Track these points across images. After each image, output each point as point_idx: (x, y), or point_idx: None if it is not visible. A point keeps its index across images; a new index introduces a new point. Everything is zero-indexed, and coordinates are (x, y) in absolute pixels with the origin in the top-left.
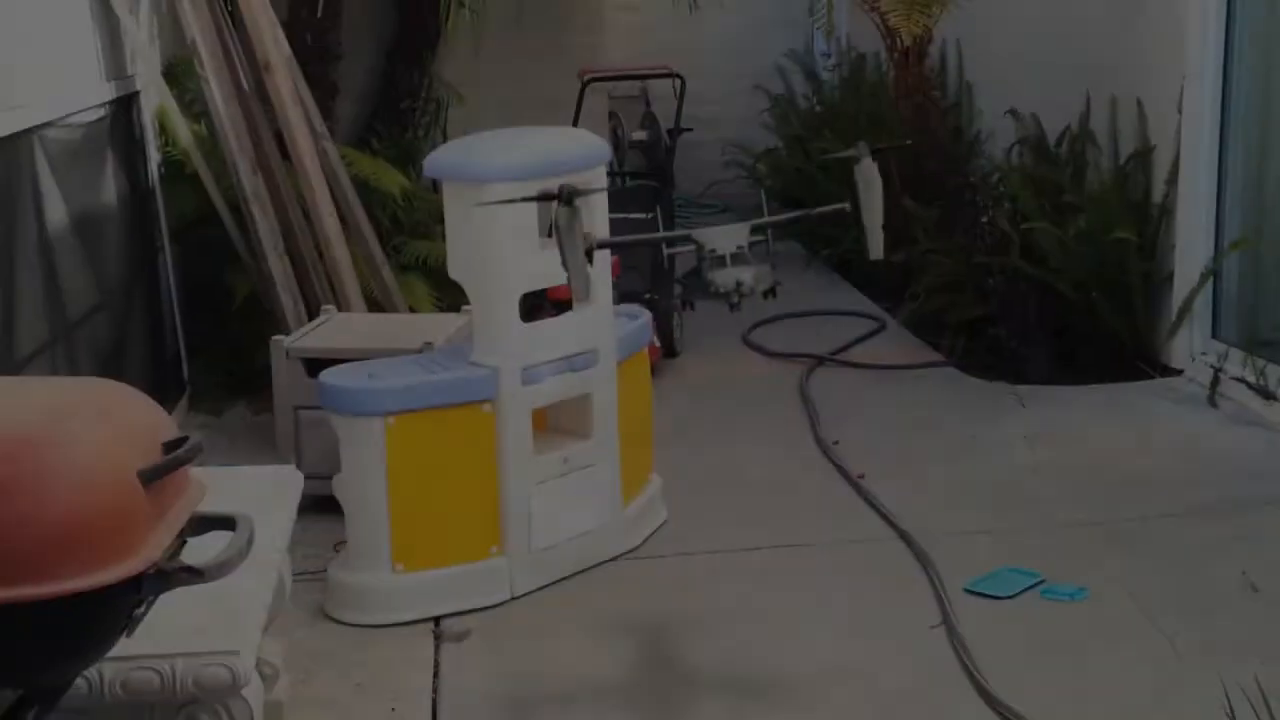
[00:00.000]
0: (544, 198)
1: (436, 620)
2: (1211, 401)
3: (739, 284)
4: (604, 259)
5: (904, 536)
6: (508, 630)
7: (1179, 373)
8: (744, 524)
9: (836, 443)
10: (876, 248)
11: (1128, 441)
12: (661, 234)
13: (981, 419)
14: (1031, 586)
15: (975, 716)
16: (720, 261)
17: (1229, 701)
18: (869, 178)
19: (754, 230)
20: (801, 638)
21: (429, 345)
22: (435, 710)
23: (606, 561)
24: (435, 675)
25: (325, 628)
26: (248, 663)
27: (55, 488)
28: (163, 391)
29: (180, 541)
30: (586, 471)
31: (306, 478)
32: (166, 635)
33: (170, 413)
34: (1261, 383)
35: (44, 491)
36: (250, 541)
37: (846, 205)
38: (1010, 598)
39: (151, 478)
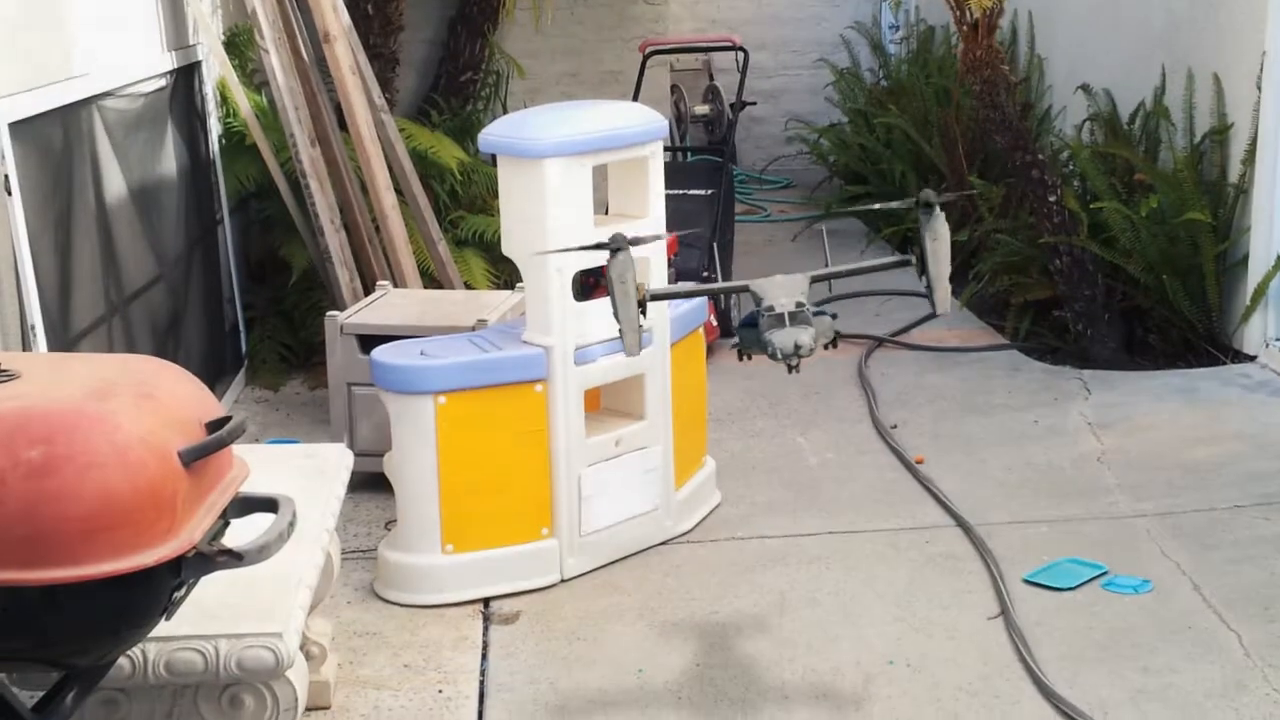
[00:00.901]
0: (597, 247)
1: (486, 602)
2: None
3: (798, 347)
4: (659, 225)
5: (962, 524)
6: (557, 613)
7: (1252, 359)
8: (799, 509)
9: (895, 426)
10: (944, 302)
11: (1196, 429)
12: (717, 286)
13: (1045, 404)
14: (1093, 578)
15: (1033, 711)
16: (778, 321)
17: None
18: (937, 230)
19: (814, 280)
20: (855, 627)
21: (483, 322)
22: (483, 692)
23: (658, 545)
24: (484, 657)
25: (375, 607)
26: (291, 645)
27: (94, 469)
28: (220, 365)
29: (223, 523)
30: (639, 454)
31: (360, 455)
32: (210, 616)
33: (228, 387)
34: None
35: (83, 473)
36: (292, 525)
37: (911, 259)
38: (1071, 589)
39: (192, 458)
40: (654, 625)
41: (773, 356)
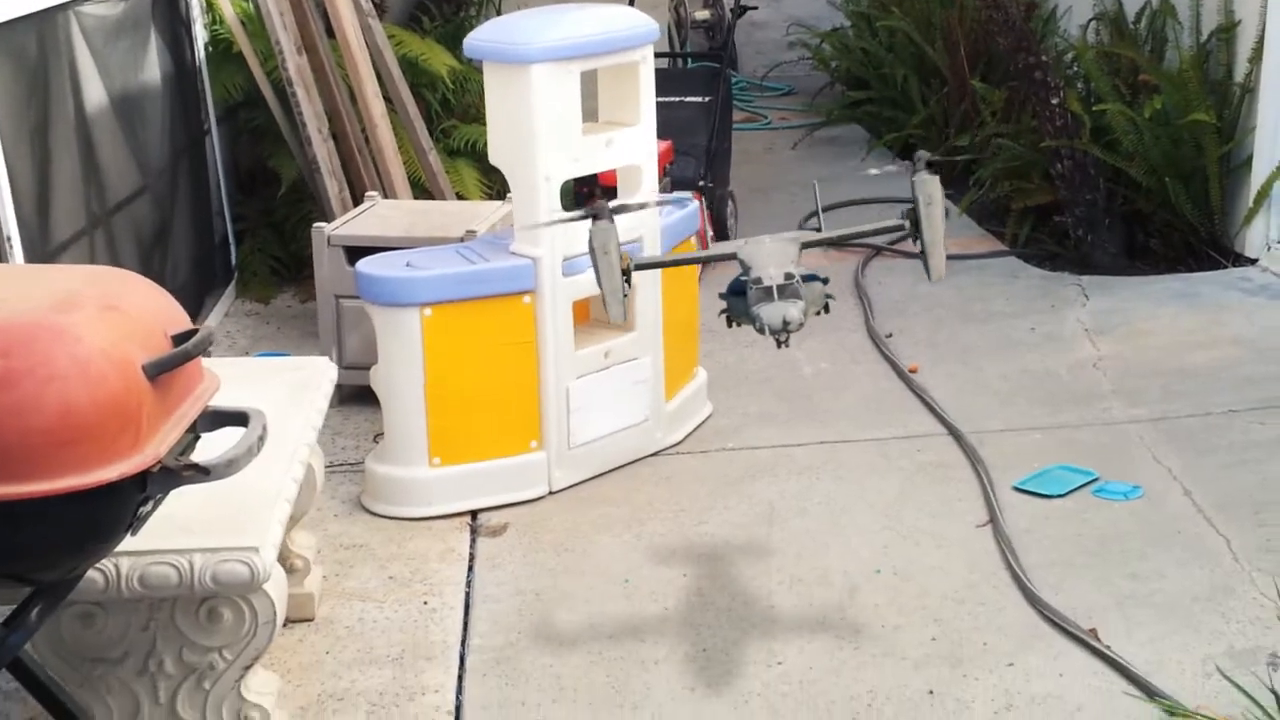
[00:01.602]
0: (578, 217)
1: (473, 514)
2: None
3: (786, 323)
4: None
5: (954, 433)
6: (545, 525)
7: (1253, 262)
8: (791, 419)
9: (890, 335)
10: (938, 269)
11: (1194, 334)
12: (704, 254)
13: (1042, 311)
14: (1083, 485)
15: (1018, 618)
16: (766, 294)
17: (1279, 604)
18: (930, 193)
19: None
20: (843, 536)
21: (471, 234)
22: (469, 604)
23: (648, 457)
24: (470, 569)
25: (362, 520)
26: (267, 558)
27: (54, 383)
28: (210, 278)
29: (193, 437)
30: (628, 365)
31: (348, 368)
32: (185, 530)
33: (218, 300)
34: None
35: (42, 386)
36: (262, 439)
37: (905, 224)
38: (1061, 496)
39: (157, 371)
40: (642, 537)
41: (760, 331)
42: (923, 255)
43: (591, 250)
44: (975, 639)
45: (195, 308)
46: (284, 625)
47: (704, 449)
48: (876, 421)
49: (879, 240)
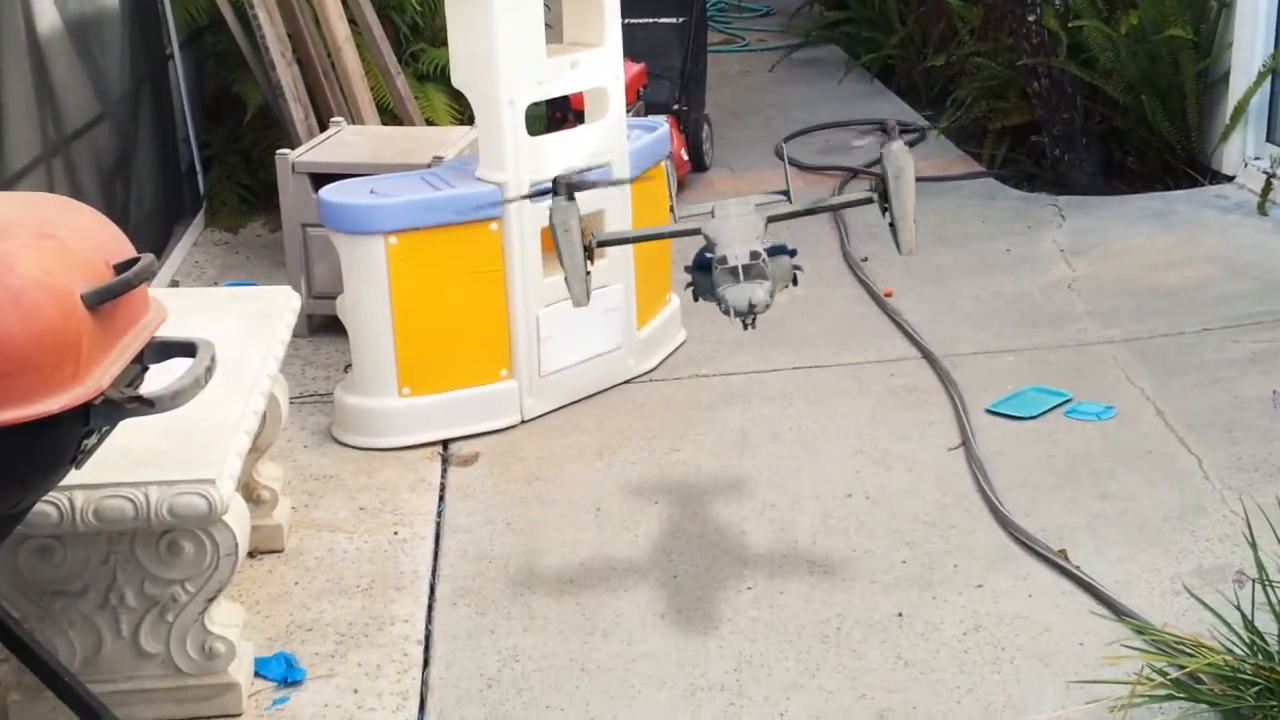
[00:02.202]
0: (538, 194)
1: (445, 444)
2: (1261, 209)
3: (752, 306)
4: (616, 55)
5: (927, 356)
6: (516, 454)
7: (1229, 179)
8: (765, 345)
9: (865, 259)
10: (907, 243)
11: (1170, 253)
12: (667, 229)
13: (1018, 232)
14: (1056, 406)
15: (989, 540)
16: (732, 274)
17: (1248, 525)
18: (900, 165)
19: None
20: (816, 461)
21: (439, 159)
22: (439, 534)
23: (620, 384)
24: (441, 499)
25: (332, 451)
26: (225, 490)
27: None
28: (177, 207)
29: (140, 368)
30: (599, 293)
31: (317, 298)
32: (141, 463)
33: (186, 228)
34: None
35: None
36: (211, 370)
37: (873, 195)
38: (1033, 418)
39: (98, 301)
40: (613, 465)
41: (726, 313)
42: (891, 228)
43: (552, 228)
44: (945, 561)
45: (163, 237)
46: (252, 556)
47: (677, 376)
48: (850, 346)
49: (856, 163)
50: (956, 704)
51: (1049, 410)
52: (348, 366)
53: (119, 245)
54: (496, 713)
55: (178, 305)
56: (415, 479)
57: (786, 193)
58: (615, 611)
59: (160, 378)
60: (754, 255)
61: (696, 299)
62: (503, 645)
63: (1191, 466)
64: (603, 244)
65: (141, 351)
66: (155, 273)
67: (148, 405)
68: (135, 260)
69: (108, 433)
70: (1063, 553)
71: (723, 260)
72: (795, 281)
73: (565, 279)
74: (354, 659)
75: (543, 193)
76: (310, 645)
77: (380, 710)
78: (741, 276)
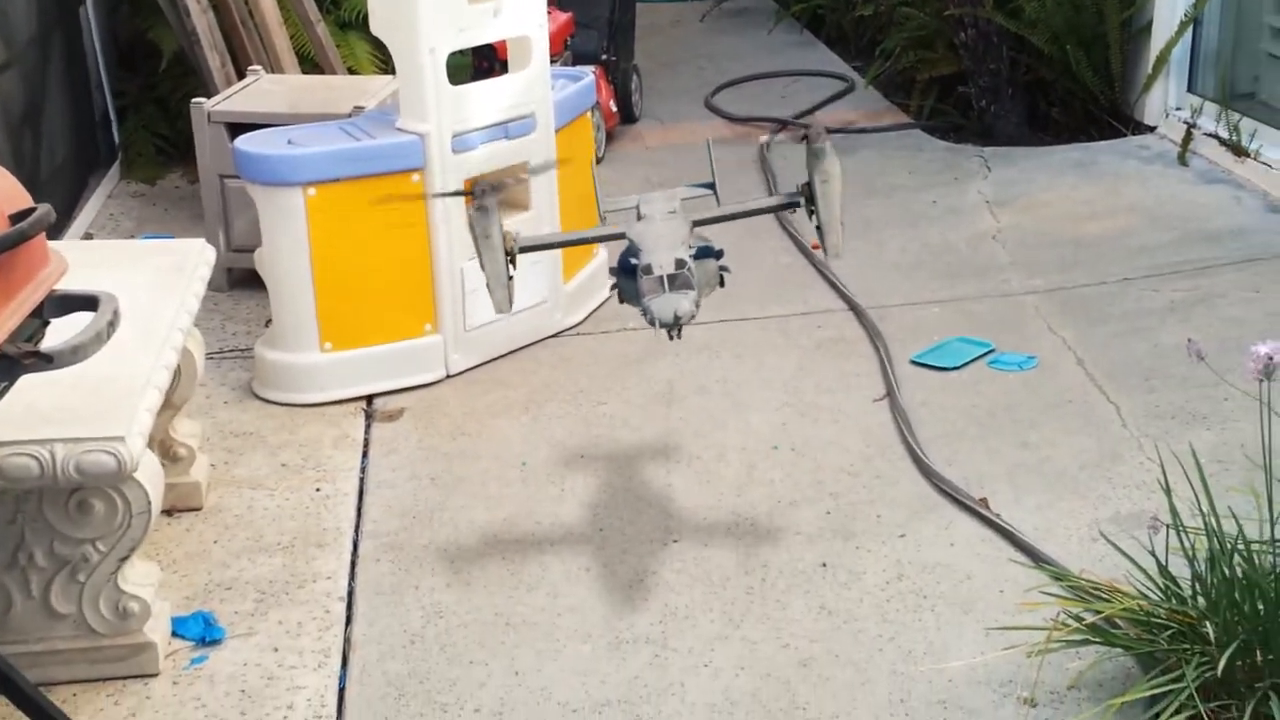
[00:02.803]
0: (456, 194)
1: (369, 400)
2: (1182, 160)
3: (677, 318)
4: (540, 2)
5: (854, 308)
6: (441, 409)
7: (1151, 130)
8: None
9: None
10: (835, 247)
11: (1092, 204)
12: (591, 234)
13: (945, 184)
14: (980, 357)
15: (911, 489)
16: (657, 284)
17: (1164, 472)
18: (827, 170)
19: (698, 223)
20: (742, 414)
21: (359, 109)
22: (362, 490)
23: (547, 338)
24: (364, 455)
25: (253, 407)
26: (134, 447)
27: None
28: (92, 157)
29: (40, 323)
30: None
31: (237, 251)
32: (47, 420)
33: (101, 180)
34: (1234, 138)
35: None
36: (113, 324)
37: (800, 200)
38: (957, 369)
39: None
40: (540, 419)
41: (651, 324)
42: (818, 231)
43: (472, 234)
44: (869, 512)
45: (76, 189)
46: (170, 515)
47: (604, 329)
48: (777, 298)
49: (785, 115)
50: (878, 651)
51: (972, 361)
52: (268, 321)
53: (15, 194)
54: (420, 669)
55: (87, 258)
56: (338, 435)
57: (713, 185)
58: (540, 566)
59: (62, 333)
60: (679, 264)
61: (622, 301)
62: (426, 601)
63: (1110, 415)
64: (525, 250)
65: (41, 305)
66: (51, 222)
67: (46, 360)
68: (32, 210)
69: (6, 388)
70: (983, 501)
71: (648, 269)
72: (722, 283)
73: (487, 285)
74: (275, 617)
75: (456, 193)
76: (230, 604)
77: (301, 668)
78: (666, 287)
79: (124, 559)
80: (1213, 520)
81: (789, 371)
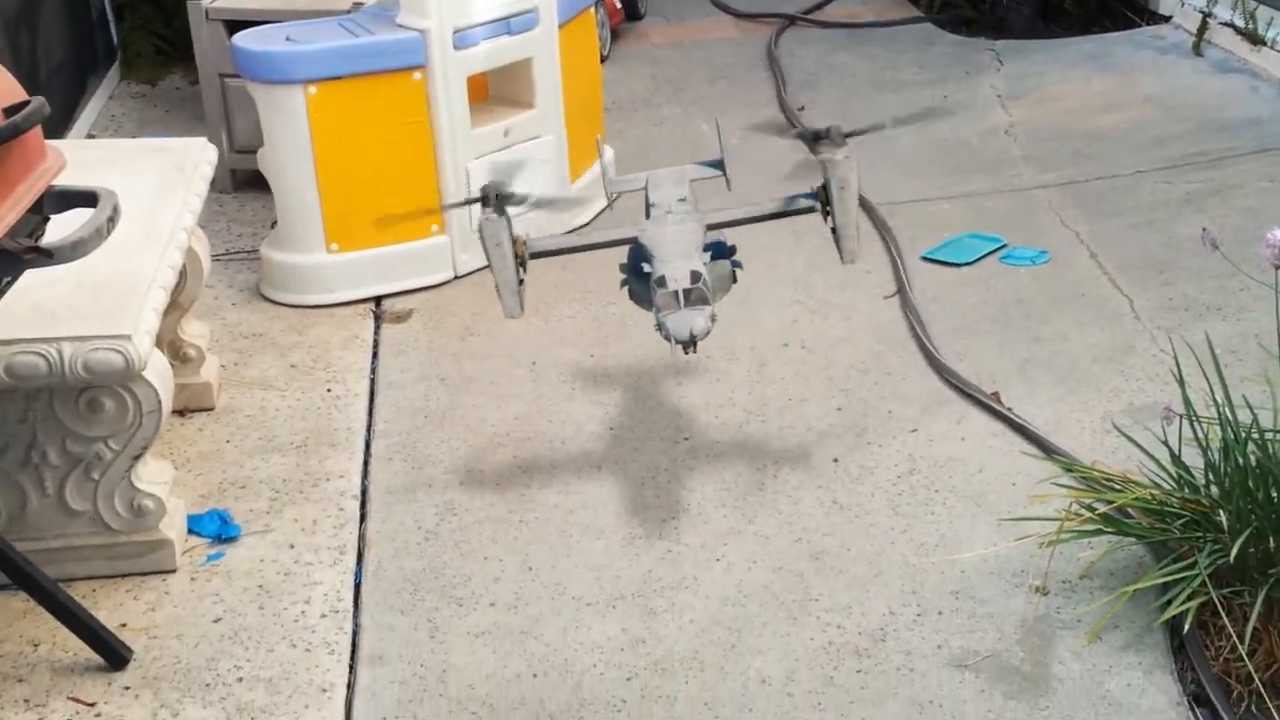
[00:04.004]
0: (468, 202)
1: (377, 301)
2: (1197, 50)
3: (693, 336)
4: None
5: (865, 205)
6: (450, 310)
7: (1167, 19)
8: (700, 197)
9: (802, 109)
10: (850, 252)
11: (1106, 96)
12: (602, 240)
13: (956, 78)
14: (991, 253)
15: (921, 385)
16: (672, 299)
17: (1177, 363)
18: (844, 178)
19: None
20: (752, 313)
21: (358, 5)
22: (373, 391)
23: (555, 237)
24: (374, 356)
25: (261, 308)
26: (142, 346)
27: None
28: (90, 58)
29: (41, 219)
30: (530, 144)
31: (240, 152)
32: (54, 319)
33: (100, 81)
34: (1250, 26)
35: None
36: (113, 220)
37: (815, 205)
38: (968, 264)
39: None
40: (549, 319)
41: (666, 339)
42: (834, 236)
43: (483, 242)
44: (880, 408)
45: (76, 90)
46: (182, 415)
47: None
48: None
49: (792, 10)
50: (890, 544)
51: (984, 256)
52: (274, 223)
53: (8, 88)
54: (435, 565)
55: (87, 157)
56: (347, 336)
57: (722, 164)
58: (552, 464)
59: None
60: (694, 276)
61: (632, 299)
62: (440, 499)
63: (1123, 308)
64: (536, 256)
65: (41, 201)
66: (46, 115)
67: (46, 256)
68: (25, 104)
69: (9, 284)
70: (995, 395)
71: (661, 281)
72: (735, 279)
73: (496, 290)
74: (289, 515)
75: (470, 201)
76: (244, 502)
77: (318, 564)
78: (681, 302)
79: (137, 457)
80: (1227, 410)
81: (799, 269)
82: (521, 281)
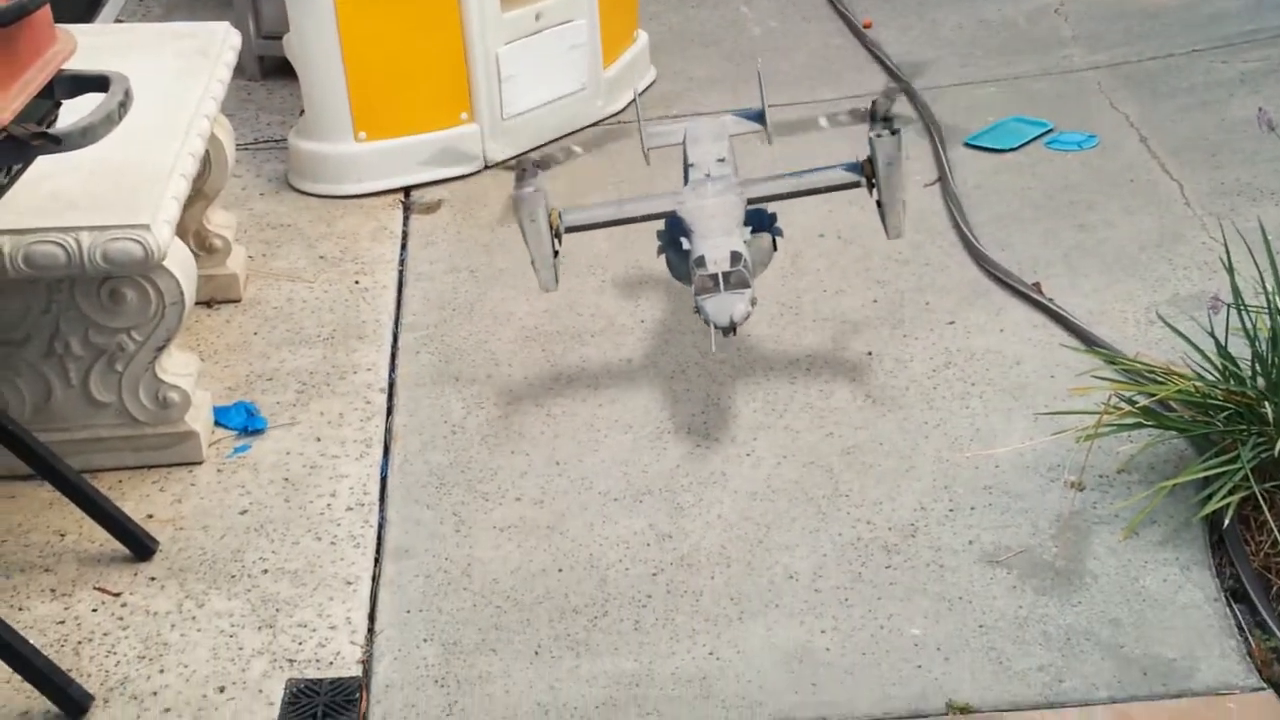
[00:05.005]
0: (518, 177)
1: (406, 191)
2: None
3: (733, 322)
4: None
5: (907, 90)
6: (480, 200)
7: None
8: (738, 83)
9: (869, 25)
10: (896, 228)
11: None
12: (639, 213)
13: None
14: (1038, 137)
15: (961, 275)
16: (712, 283)
17: (1226, 250)
18: (890, 154)
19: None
20: (787, 202)
21: None
22: (401, 282)
23: (587, 127)
24: (403, 247)
25: (289, 199)
26: (161, 236)
27: None
28: None
29: (52, 104)
30: (562, 28)
31: (267, 38)
32: (72, 207)
33: None
34: None
35: None
36: (124, 105)
37: (860, 180)
38: (1013, 150)
39: None
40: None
41: (705, 323)
42: (879, 208)
43: (518, 216)
44: (917, 299)
45: None
46: (209, 306)
47: (646, 117)
48: (827, 82)
49: None
50: (924, 439)
51: (1029, 141)
52: (302, 111)
53: None
54: (461, 458)
55: (108, 42)
56: (376, 227)
57: (762, 115)
58: (581, 358)
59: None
60: (735, 257)
61: (671, 271)
62: (467, 392)
63: (1173, 193)
64: (571, 230)
65: (51, 86)
66: None
67: (54, 142)
68: None
69: (20, 171)
70: (1036, 285)
71: (700, 262)
72: (775, 246)
73: (531, 263)
74: (316, 407)
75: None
76: (271, 395)
77: (344, 457)
78: (721, 286)
79: (160, 348)
80: (1277, 298)
81: (838, 157)
82: (556, 254)
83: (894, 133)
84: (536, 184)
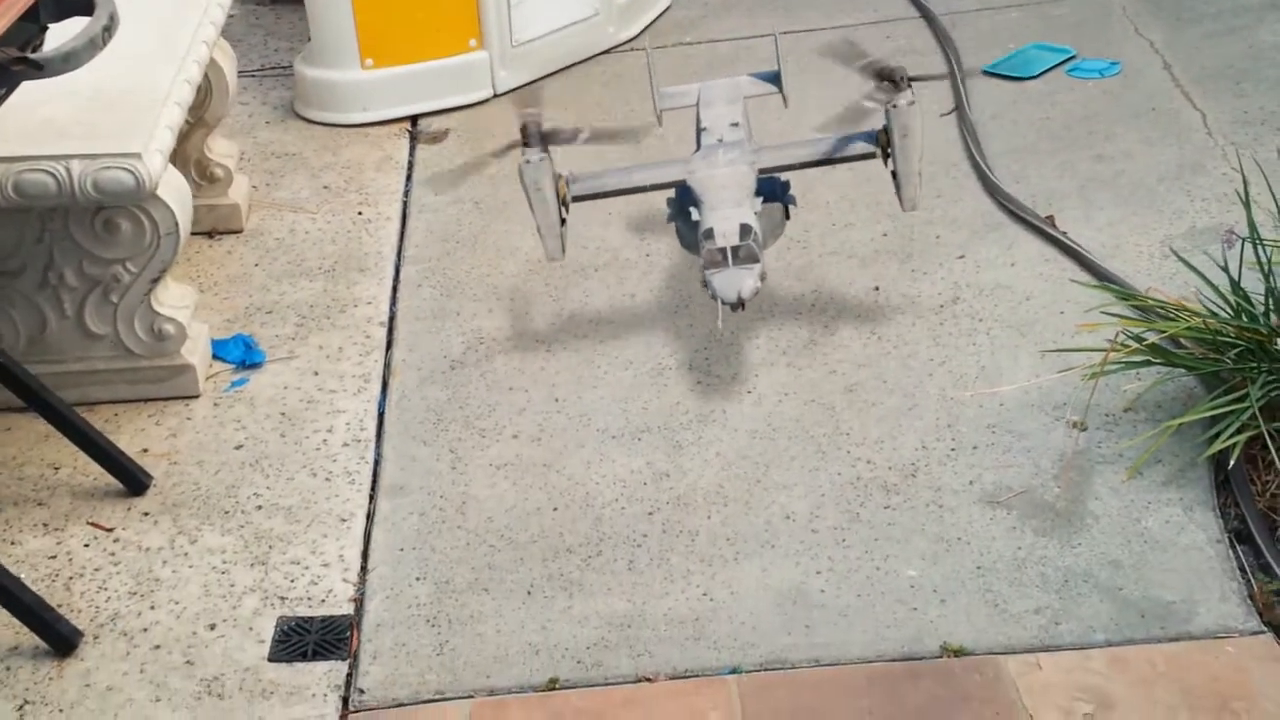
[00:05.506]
0: (509, 146)
1: (414, 120)
2: None
3: (741, 298)
4: None
5: (926, 15)
6: (488, 130)
7: None
8: (754, 8)
9: None
10: (911, 200)
11: None
12: (648, 183)
13: None
14: (1058, 65)
15: (974, 208)
16: (719, 257)
17: (1244, 181)
18: (906, 125)
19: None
20: (803, 129)
21: None
22: (405, 214)
23: (599, 55)
24: (408, 178)
25: (295, 127)
26: (153, 165)
27: None
28: None
29: (38, 28)
30: None
31: None
32: (63, 135)
33: None
34: None
35: None
36: (109, 29)
37: (875, 150)
38: (1033, 78)
39: None
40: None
41: (712, 298)
42: (894, 179)
43: (524, 185)
44: (927, 233)
45: None
46: (211, 236)
47: (660, 44)
48: (844, 7)
49: None
50: (928, 376)
51: (1050, 69)
52: (310, 37)
53: None
54: (460, 395)
55: None
56: (381, 156)
57: (778, 77)
58: (584, 292)
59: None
60: (744, 231)
61: (680, 241)
62: (467, 327)
63: (1195, 123)
64: (579, 199)
65: (36, 9)
66: None
67: (35, 68)
68: None
69: (3, 97)
70: (1050, 219)
71: (709, 234)
72: (788, 216)
73: (538, 231)
74: (315, 341)
75: (512, 145)
76: (270, 327)
77: (341, 392)
78: (729, 260)
79: (156, 280)
80: None
81: (853, 85)
82: (564, 222)
83: (911, 102)
84: (543, 153)
